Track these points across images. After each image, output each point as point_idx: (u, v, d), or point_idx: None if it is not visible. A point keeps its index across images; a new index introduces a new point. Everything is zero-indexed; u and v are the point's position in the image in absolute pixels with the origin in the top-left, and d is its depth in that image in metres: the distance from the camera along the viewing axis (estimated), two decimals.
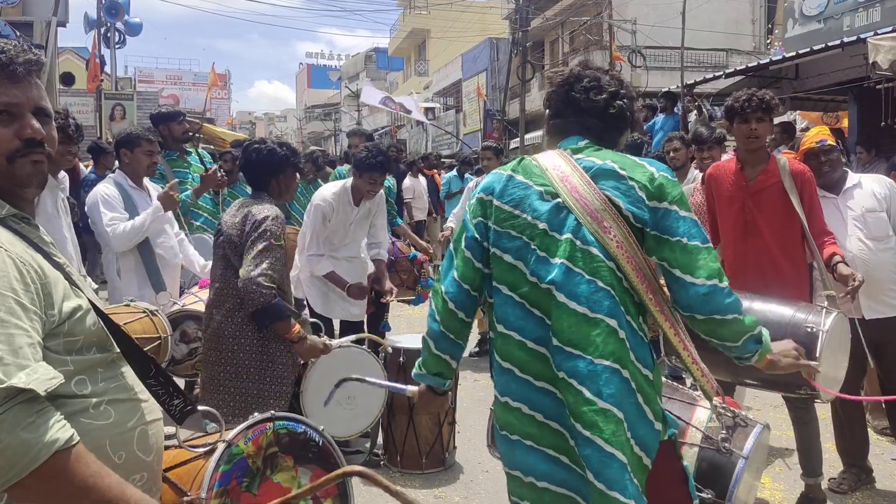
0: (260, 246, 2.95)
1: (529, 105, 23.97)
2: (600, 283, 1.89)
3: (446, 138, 29.92)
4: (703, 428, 2.47)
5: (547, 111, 2.18)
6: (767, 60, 11.91)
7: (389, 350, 4.18)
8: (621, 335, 1.89)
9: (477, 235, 2.07)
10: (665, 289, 1.97)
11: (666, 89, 12.42)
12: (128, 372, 1.47)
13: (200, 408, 1.54)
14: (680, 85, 13.22)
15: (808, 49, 10.29)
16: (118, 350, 1.46)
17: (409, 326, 7.16)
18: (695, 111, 11.97)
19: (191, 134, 6.30)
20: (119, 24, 19.78)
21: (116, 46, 20.03)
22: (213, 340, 3.15)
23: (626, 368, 1.88)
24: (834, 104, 11.74)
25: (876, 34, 8.76)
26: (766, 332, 1.99)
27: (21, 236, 1.39)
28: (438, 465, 4.19)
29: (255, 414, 1.90)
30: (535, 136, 23.15)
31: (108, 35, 19.61)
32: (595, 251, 1.90)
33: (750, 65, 12.26)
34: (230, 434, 1.78)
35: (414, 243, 6.10)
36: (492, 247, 2.04)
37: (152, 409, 1.49)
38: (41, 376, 1.23)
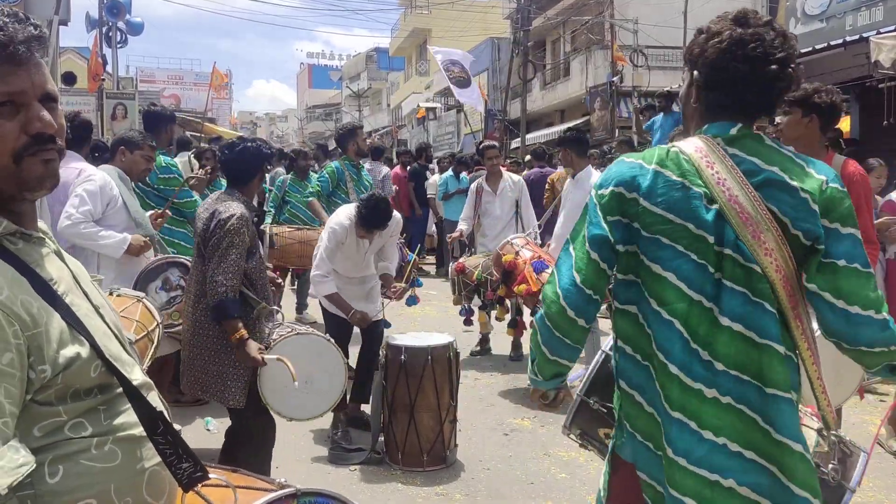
0: (223, 245, 3.13)
1: (531, 105, 23.96)
2: (767, 307, 1.70)
3: (447, 138, 29.89)
4: (811, 452, 2.38)
5: (693, 72, 1.84)
6: None
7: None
8: (787, 362, 1.72)
9: (609, 236, 1.77)
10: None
11: (667, 89, 12.41)
12: None
13: (212, 476, 1.39)
14: (681, 84, 13.20)
15: (810, 48, 10.31)
16: (121, 389, 1.29)
17: (409, 325, 7.16)
18: None
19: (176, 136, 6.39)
20: (121, 24, 19.74)
21: (118, 46, 20.01)
22: (186, 321, 3.40)
23: (794, 394, 1.73)
24: None
25: (878, 33, 8.78)
26: None
27: (15, 263, 1.19)
28: (440, 462, 4.19)
29: (281, 480, 1.66)
30: (536, 135, 23.14)
31: (110, 34, 19.59)
32: (757, 270, 1.69)
33: None
34: None
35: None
36: (641, 254, 1.77)
37: None
38: (4, 464, 1.05)
